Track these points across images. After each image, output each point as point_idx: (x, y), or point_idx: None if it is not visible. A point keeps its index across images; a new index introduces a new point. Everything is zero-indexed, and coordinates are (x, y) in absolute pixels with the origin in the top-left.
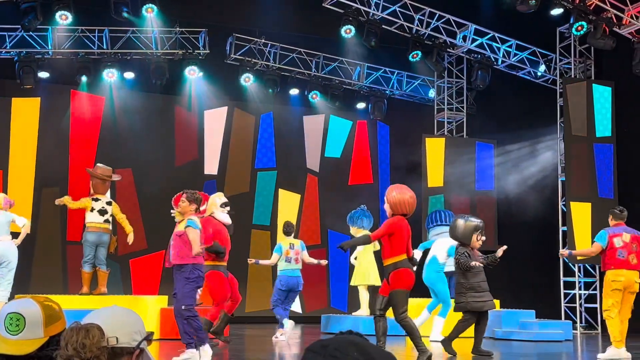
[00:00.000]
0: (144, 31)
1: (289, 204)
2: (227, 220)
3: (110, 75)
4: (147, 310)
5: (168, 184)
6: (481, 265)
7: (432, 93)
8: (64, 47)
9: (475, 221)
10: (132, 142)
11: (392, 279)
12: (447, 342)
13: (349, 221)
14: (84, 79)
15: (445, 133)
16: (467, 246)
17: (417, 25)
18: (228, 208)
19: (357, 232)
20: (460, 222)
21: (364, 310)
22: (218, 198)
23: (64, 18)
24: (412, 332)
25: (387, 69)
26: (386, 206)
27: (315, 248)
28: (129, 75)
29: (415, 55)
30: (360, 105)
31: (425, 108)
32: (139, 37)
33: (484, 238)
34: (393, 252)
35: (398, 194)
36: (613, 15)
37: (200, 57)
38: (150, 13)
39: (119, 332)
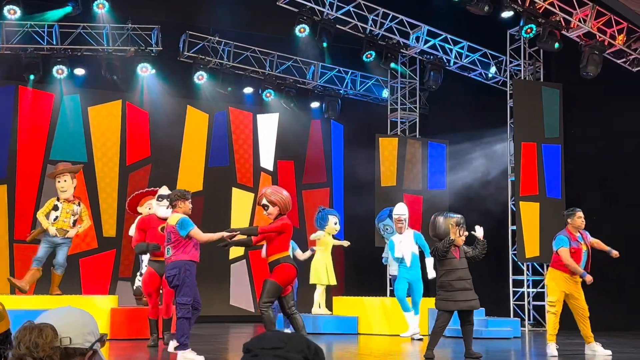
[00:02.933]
0: (95, 27)
1: (242, 203)
2: (160, 213)
3: (59, 72)
4: (97, 310)
5: (119, 182)
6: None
7: (385, 93)
8: (12, 42)
9: (455, 216)
10: (83, 140)
11: (276, 272)
12: (427, 351)
13: (316, 224)
14: (32, 75)
15: (399, 133)
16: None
17: (371, 26)
18: (164, 201)
19: (321, 234)
20: (440, 219)
21: (321, 309)
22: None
23: (12, 13)
24: (270, 323)
25: (341, 69)
26: (271, 210)
27: None
28: (80, 71)
29: (369, 55)
30: (314, 105)
31: (378, 108)
32: (89, 33)
33: (466, 233)
34: (281, 249)
35: (285, 194)
36: (562, 19)
37: (152, 54)
38: (101, 9)
39: (72, 332)
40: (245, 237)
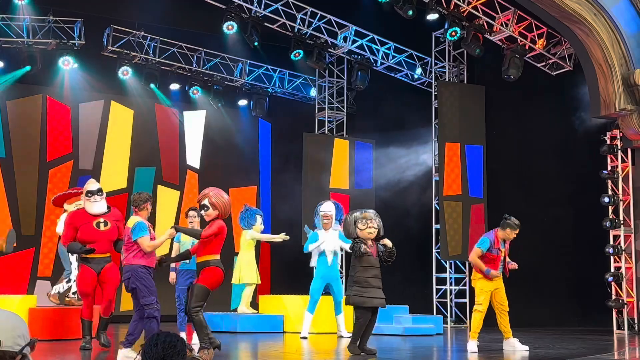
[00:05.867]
0: (15, 19)
1: (168, 201)
2: (93, 210)
3: None
4: (14, 311)
5: (39, 178)
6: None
7: (313, 92)
8: None
9: (355, 214)
10: (0, 135)
11: (204, 274)
12: (351, 345)
13: (242, 223)
14: None
15: (326, 132)
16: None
17: (299, 25)
18: (95, 197)
19: (248, 232)
20: (347, 217)
21: (246, 308)
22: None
23: None
24: (201, 327)
25: (269, 67)
26: (211, 212)
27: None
28: None
29: (297, 54)
30: (242, 102)
31: (306, 106)
32: (9, 24)
33: (374, 225)
34: (212, 251)
35: (227, 199)
36: (485, 23)
37: (75, 48)
38: (21, 0)
39: (3, 335)
40: (184, 252)
